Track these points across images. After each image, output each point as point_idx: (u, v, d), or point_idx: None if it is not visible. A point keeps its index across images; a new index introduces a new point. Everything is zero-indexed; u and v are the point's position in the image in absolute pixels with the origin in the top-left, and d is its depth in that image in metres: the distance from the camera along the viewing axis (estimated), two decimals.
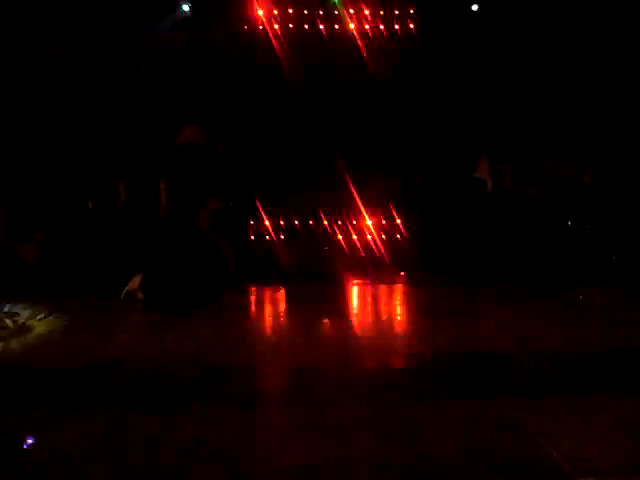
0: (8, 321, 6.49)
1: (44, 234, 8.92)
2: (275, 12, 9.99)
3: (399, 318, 7.16)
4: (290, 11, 10.05)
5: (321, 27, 10.03)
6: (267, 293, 8.42)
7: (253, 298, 8.19)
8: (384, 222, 9.77)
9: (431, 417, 3.73)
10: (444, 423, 3.64)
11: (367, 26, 10.07)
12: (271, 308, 8.05)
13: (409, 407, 3.91)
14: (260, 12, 9.96)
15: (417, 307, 7.69)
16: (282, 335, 6.28)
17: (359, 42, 9.96)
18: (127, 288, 7.39)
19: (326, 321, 6.80)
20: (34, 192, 9.10)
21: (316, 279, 8.62)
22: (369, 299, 8.34)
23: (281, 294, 8.28)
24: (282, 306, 7.93)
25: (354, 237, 9.68)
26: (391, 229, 9.76)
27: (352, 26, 10.02)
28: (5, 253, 8.60)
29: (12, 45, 9.38)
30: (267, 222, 9.71)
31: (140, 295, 7.34)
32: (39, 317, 6.65)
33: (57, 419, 3.77)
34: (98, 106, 9.39)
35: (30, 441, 3.53)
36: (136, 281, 7.39)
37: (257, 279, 8.64)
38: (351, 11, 10.01)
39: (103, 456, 3.26)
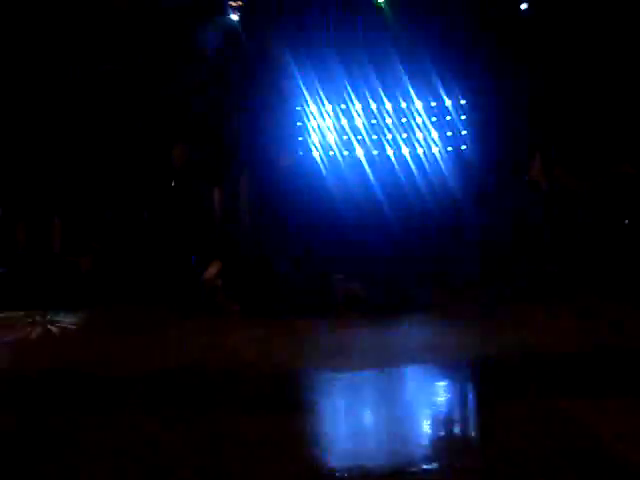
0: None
1: (99, 245, 9.07)
2: None
3: None
4: None
5: None
6: None
7: None
8: None
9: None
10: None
11: None
12: None
13: None
14: None
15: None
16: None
17: None
18: (205, 276, 7.40)
19: None
20: (91, 203, 9.26)
21: None
22: None
23: None
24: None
25: None
26: None
27: None
28: (63, 263, 8.76)
29: (68, 60, 9.56)
30: None
31: (219, 282, 7.38)
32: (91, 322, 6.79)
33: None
34: (153, 118, 9.50)
35: None
36: (212, 271, 7.37)
37: None
38: None
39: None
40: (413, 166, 9.80)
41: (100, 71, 9.52)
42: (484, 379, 4.55)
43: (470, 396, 4.37)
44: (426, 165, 9.84)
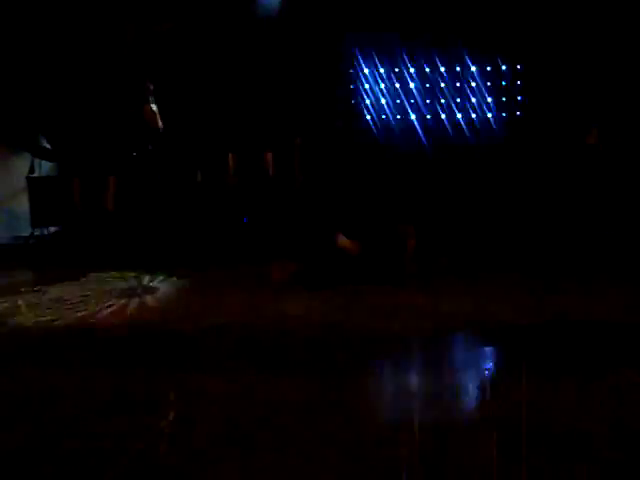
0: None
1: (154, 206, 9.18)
2: None
3: None
4: None
5: None
6: None
7: None
8: None
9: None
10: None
11: None
12: None
13: None
14: None
15: None
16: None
17: None
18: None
19: None
20: (145, 163, 9.34)
21: None
22: None
23: None
24: None
25: None
26: None
27: None
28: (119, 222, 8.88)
29: (125, 19, 9.61)
30: None
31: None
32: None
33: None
34: (208, 79, 9.53)
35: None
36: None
37: None
38: None
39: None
40: (467, 131, 9.76)
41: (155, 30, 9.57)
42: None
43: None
44: (479, 131, 9.80)
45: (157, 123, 8.58)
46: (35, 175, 9.84)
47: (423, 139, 9.76)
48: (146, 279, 7.05)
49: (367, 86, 10.00)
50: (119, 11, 9.46)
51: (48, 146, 9.96)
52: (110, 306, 5.85)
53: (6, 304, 6.01)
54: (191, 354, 4.48)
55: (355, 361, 4.23)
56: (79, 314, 5.57)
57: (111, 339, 4.89)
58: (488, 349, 4.65)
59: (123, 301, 6.03)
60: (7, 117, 9.95)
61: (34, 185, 9.84)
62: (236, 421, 3.20)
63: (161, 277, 7.14)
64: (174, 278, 7.17)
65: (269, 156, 8.71)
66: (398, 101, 9.98)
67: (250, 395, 3.57)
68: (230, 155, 8.98)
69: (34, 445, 2.96)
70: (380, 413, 3.43)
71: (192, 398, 3.56)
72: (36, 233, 9.67)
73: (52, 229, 9.84)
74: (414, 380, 4.06)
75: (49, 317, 5.47)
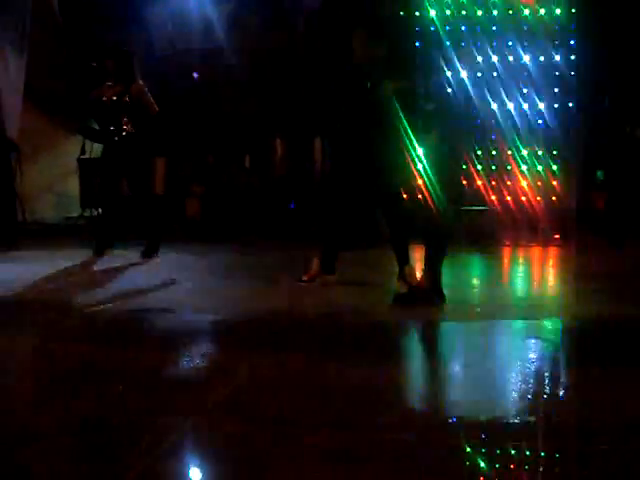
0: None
1: (203, 188, 9.22)
2: None
3: None
4: None
5: None
6: None
7: None
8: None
9: None
10: None
11: None
12: None
13: None
14: None
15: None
16: None
17: None
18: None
19: None
20: (193, 145, 9.39)
21: None
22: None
23: None
24: None
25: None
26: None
27: None
28: (168, 205, 8.94)
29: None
30: None
31: None
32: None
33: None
34: (257, 65, 9.54)
35: None
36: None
37: None
38: None
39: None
40: (518, 121, 9.63)
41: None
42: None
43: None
44: (531, 120, 9.66)
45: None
46: (85, 157, 9.96)
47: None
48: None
49: None
50: None
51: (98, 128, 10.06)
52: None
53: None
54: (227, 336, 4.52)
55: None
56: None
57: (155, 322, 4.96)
58: None
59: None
60: (59, 98, 10.10)
61: (84, 167, 9.97)
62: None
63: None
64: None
65: (317, 142, 8.69)
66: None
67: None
68: (278, 141, 9.00)
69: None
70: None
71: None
72: (86, 214, 9.81)
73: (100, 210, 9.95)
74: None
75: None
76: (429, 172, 5.54)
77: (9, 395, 3.39)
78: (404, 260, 5.82)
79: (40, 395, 3.48)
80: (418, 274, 5.65)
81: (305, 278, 5.93)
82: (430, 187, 5.44)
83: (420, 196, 6.24)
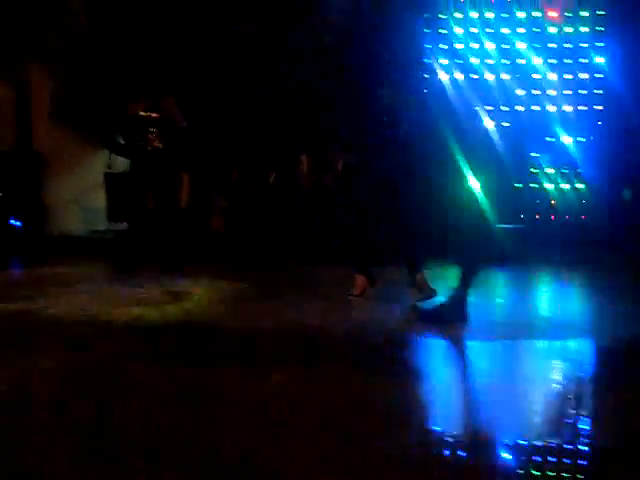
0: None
1: (227, 203, 9.22)
2: None
3: None
4: None
5: None
6: None
7: None
8: None
9: None
10: None
11: None
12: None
13: None
14: None
15: None
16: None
17: None
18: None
19: None
20: (218, 160, 9.40)
21: None
22: None
23: None
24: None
25: None
26: None
27: None
28: (193, 221, 8.93)
29: (204, 20, 9.73)
30: None
31: None
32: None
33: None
34: (282, 79, 9.55)
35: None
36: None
37: None
38: None
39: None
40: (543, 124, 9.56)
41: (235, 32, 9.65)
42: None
43: None
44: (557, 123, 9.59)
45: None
46: (112, 171, 10.04)
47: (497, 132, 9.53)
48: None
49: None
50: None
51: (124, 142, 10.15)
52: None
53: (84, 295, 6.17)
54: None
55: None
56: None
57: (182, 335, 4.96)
58: None
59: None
60: (85, 113, 10.17)
61: (111, 181, 10.03)
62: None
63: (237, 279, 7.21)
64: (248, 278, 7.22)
65: (339, 159, 8.65)
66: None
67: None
68: (303, 157, 8.98)
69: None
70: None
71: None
72: (112, 228, 9.85)
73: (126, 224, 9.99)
74: None
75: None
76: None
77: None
78: (415, 268, 5.85)
79: None
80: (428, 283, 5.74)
81: (356, 293, 5.98)
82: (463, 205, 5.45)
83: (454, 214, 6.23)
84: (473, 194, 5.51)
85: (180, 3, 9.81)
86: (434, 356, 4.87)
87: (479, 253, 5.49)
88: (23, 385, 3.81)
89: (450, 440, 3.04)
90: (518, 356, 4.70)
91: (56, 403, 3.51)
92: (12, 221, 9.16)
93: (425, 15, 9.35)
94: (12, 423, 3.18)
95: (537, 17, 9.66)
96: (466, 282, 5.26)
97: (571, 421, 3.28)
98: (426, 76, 8.99)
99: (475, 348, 4.92)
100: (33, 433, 3.07)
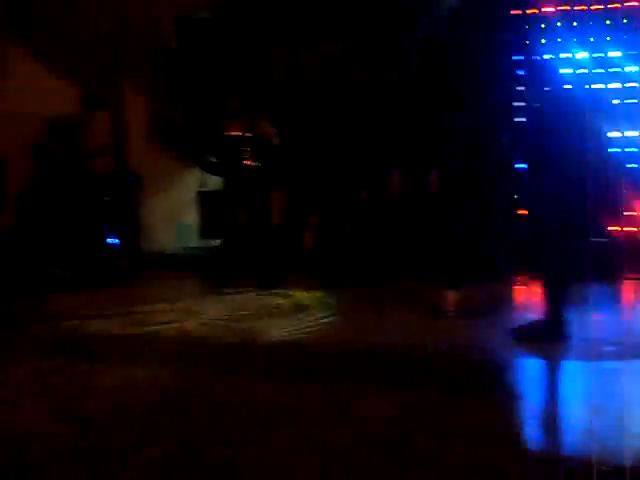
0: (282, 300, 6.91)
1: (317, 219, 9.27)
2: None
3: None
4: None
5: None
6: None
7: None
8: None
9: None
10: None
11: None
12: None
13: None
14: None
15: None
16: None
17: None
18: None
19: None
20: (310, 177, 9.46)
21: None
22: None
23: None
24: None
25: None
26: None
27: None
28: (285, 237, 9.02)
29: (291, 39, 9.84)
30: None
31: None
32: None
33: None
34: (373, 96, 9.56)
35: None
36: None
37: None
38: None
39: None
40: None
41: None
42: None
43: None
44: None
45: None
46: (205, 189, 10.24)
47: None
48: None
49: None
50: None
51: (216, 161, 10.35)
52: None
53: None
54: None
55: None
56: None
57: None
58: None
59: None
60: (180, 134, 10.42)
61: (204, 199, 10.23)
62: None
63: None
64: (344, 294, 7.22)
65: (435, 175, 8.56)
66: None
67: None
68: (395, 173, 8.92)
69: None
70: None
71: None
72: (205, 245, 10.03)
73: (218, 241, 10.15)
74: None
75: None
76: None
77: None
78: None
79: None
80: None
81: (450, 309, 6.00)
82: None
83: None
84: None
85: (271, 22, 9.96)
86: (532, 378, 4.75)
87: (567, 266, 5.33)
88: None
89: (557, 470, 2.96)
90: (626, 379, 4.53)
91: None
92: (110, 240, 9.42)
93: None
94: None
95: None
96: (557, 297, 5.13)
97: None
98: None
99: (577, 370, 4.78)
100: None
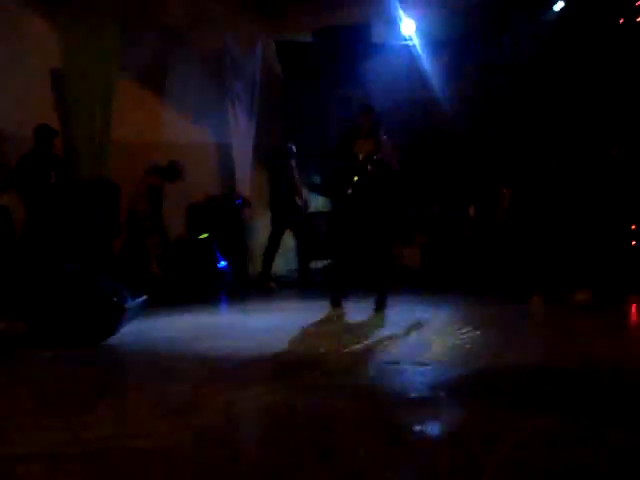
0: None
1: (426, 239, 9.29)
2: None
3: None
4: None
5: None
6: None
7: None
8: None
9: None
10: None
11: None
12: None
13: None
14: None
15: None
16: None
17: None
18: None
19: None
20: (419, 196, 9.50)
21: None
22: None
23: None
24: None
25: None
26: None
27: None
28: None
29: None
30: None
31: None
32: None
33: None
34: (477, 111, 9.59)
35: None
36: None
37: None
38: None
39: None
40: None
41: None
42: None
43: None
44: None
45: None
46: (310, 211, 10.36)
47: None
48: None
49: None
50: None
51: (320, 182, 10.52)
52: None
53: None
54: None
55: None
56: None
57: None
58: None
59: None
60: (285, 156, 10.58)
61: (309, 220, 10.35)
62: None
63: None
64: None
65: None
66: None
67: None
68: (504, 190, 8.85)
69: None
70: None
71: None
72: (311, 266, 10.13)
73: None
74: None
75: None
76: None
77: None
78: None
79: None
80: None
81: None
82: None
83: None
84: None
85: None
86: None
87: None
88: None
89: None
90: None
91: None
92: (220, 263, 9.62)
93: None
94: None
95: None
96: None
97: None
98: None
99: None
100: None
